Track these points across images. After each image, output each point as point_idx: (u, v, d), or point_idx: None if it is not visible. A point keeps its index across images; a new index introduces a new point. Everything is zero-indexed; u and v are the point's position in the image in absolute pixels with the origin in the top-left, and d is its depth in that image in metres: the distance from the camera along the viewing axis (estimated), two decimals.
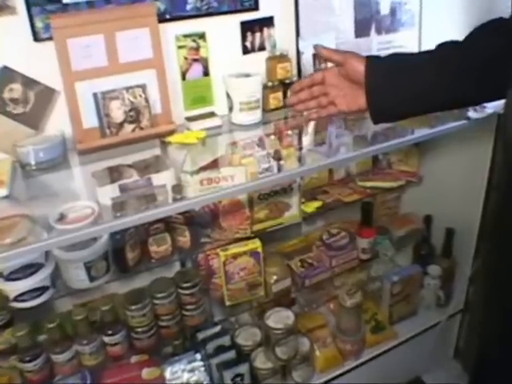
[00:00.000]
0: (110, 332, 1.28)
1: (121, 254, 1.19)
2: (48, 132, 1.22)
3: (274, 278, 1.46)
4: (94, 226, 0.96)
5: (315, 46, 0.93)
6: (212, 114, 1.40)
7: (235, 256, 1.35)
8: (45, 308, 1.18)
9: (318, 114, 0.97)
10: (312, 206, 1.44)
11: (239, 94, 1.35)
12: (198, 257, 1.42)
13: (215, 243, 1.34)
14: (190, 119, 1.37)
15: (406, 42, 1.62)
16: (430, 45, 1.59)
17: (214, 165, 1.21)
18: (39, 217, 1.01)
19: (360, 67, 0.88)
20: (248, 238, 1.36)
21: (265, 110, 1.43)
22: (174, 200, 1.12)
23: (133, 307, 1.29)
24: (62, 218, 1.01)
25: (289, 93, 1.45)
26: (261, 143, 1.30)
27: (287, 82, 1.44)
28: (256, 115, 1.38)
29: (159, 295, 1.32)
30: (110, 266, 1.19)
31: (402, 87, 0.86)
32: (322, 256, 1.58)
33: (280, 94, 1.44)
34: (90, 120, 1.24)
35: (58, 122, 1.23)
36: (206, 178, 1.17)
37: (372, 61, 0.88)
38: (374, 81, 0.87)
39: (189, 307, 1.37)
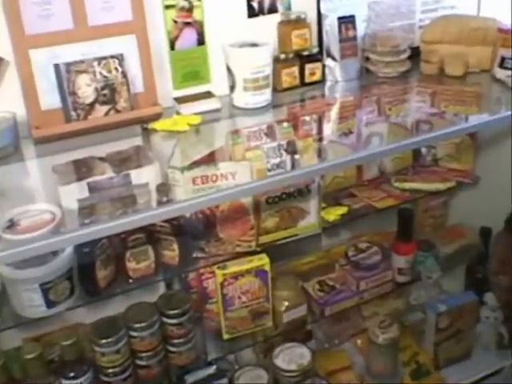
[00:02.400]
0: (71, 374, 1.27)
1: (89, 272, 1.18)
2: None
3: (286, 304, 1.45)
4: (55, 237, 0.95)
5: None
6: (208, 94, 1.40)
7: (236, 275, 1.35)
8: None
9: None
10: (335, 213, 1.43)
11: (243, 69, 1.34)
12: (188, 276, 1.43)
13: (211, 259, 1.33)
14: (180, 100, 1.37)
15: (460, 1, 1.60)
16: (491, 5, 1.58)
17: (210, 159, 1.22)
18: None
19: None
20: (253, 253, 1.36)
21: (276, 90, 1.42)
22: (159, 203, 1.12)
23: (103, 341, 1.27)
24: (11, 225, 1.01)
25: (306, 68, 1.45)
26: (270, 132, 1.29)
27: (305, 54, 1.44)
28: (264, 96, 1.38)
29: (137, 326, 1.31)
30: (75, 288, 1.18)
31: None
32: (347, 277, 1.58)
33: (295, 70, 1.43)
34: (50, 99, 1.23)
35: (6, 101, 1.22)
36: (200, 176, 1.17)
37: None
38: None
39: (175, 341, 1.36)
